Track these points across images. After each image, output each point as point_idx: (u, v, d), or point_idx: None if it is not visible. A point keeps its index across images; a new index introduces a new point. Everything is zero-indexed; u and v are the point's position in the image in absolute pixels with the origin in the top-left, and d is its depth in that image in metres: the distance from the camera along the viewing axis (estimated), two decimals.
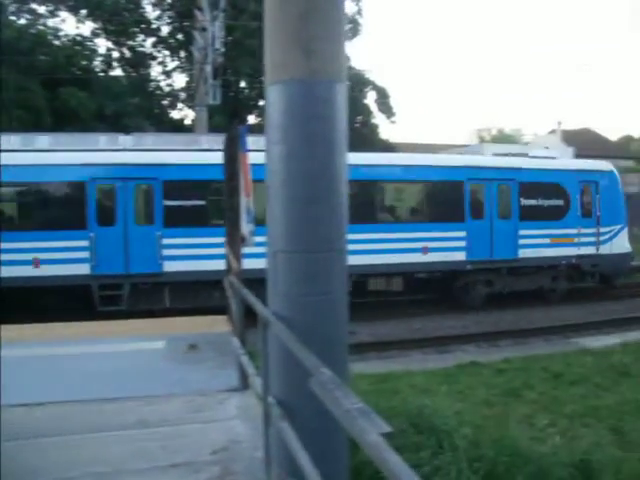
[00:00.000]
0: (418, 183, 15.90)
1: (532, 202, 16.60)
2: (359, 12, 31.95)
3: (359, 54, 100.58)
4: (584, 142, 48.33)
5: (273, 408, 3.34)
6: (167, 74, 30.86)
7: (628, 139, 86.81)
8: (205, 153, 13.67)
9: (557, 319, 14.45)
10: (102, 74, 28.19)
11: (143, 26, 29.50)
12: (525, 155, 17.77)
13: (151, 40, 30.13)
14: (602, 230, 17.57)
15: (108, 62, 28.97)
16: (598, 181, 17.70)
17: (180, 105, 31.61)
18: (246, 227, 5.15)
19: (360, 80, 30.80)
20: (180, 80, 32.01)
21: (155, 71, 30.99)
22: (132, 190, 13.78)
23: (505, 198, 16.35)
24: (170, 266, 13.67)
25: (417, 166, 15.98)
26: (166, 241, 13.68)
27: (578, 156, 22.43)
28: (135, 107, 26.69)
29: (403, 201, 16.69)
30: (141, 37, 29.95)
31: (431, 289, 16.65)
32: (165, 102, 31.37)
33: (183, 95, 30.72)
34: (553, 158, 18.13)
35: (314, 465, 2.46)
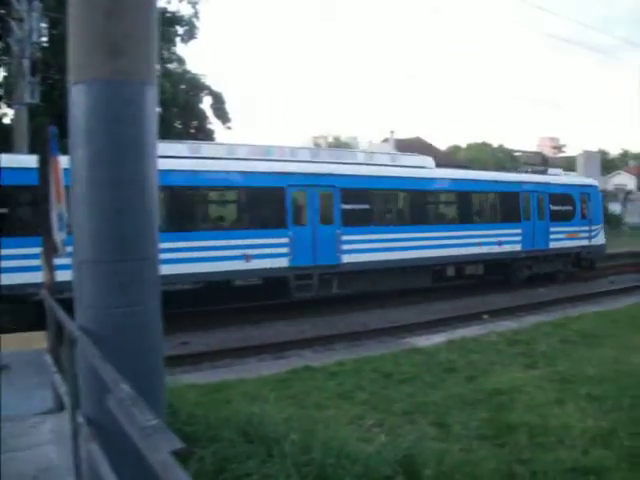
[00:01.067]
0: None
1: (557, 207, 22.55)
2: (196, 15, 31.45)
3: (195, 58, 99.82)
4: (416, 150, 50.89)
5: (82, 428, 3.13)
6: None
7: (456, 148, 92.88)
8: (373, 167, 18.01)
9: (391, 320, 15.03)
10: None
11: None
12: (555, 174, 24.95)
13: None
14: (592, 228, 23.74)
15: None
16: (590, 192, 24.04)
17: None
18: (58, 235, 4.83)
19: (196, 84, 30.41)
20: None
21: None
22: (318, 195, 16.42)
23: (543, 205, 22.14)
24: (347, 258, 16.73)
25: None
26: (344, 237, 16.68)
27: None
28: None
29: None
30: None
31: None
32: None
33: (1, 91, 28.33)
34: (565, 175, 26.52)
35: None
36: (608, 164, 77.14)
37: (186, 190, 14.63)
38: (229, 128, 35.69)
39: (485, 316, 15.32)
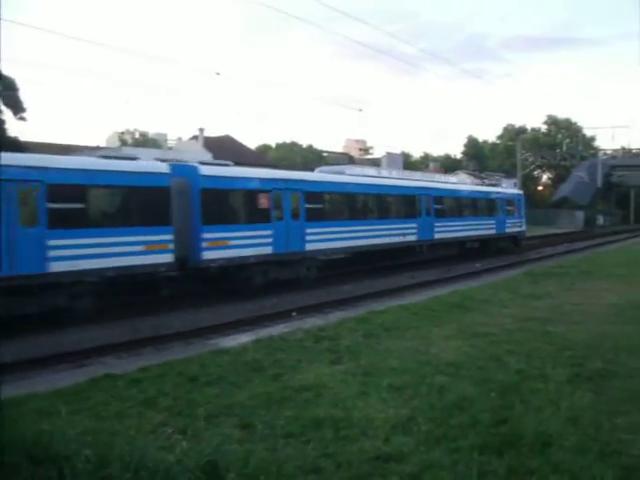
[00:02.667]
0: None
1: (511, 207, 37.54)
2: None
3: None
4: (225, 149, 50.75)
5: None
6: None
7: (266, 148, 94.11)
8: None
9: (197, 322, 14.76)
10: None
11: None
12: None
13: None
14: (522, 221, 38.94)
15: None
16: (520, 199, 39.40)
17: None
18: None
19: None
20: None
21: None
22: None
23: (505, 206, 36.83)
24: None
25: None
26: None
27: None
28: None
29: None
30: None
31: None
32: None
33: None
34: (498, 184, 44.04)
35: None
36: (411, 166, 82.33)
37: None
38: (22, 119, 32.80)
39: (294, 313, 15.55)
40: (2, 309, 13.23)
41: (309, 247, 21.28)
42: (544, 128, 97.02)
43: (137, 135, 59.25)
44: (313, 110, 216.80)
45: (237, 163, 24.36)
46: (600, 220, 78.43)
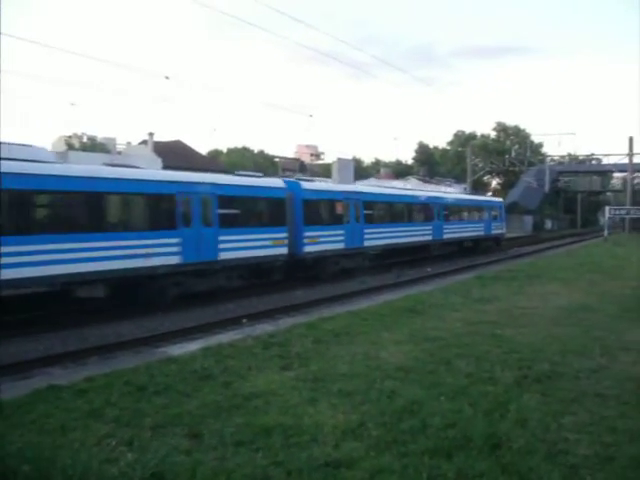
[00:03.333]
0: None
1: (495, 212, 44.18)
2: None
3: None
4: (176, 154, 50.22)
5: None
6: None
7: (217, 153, 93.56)
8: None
9: (151, 329, 14.53)
10: None
11: None
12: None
13: None
14: (502, 224, 45.17)
15: None
16: (501, 205, 46.51)
17: None
18: None
19: None
20: None
21: None
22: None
23: (491, 213, 43.93)
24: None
25: None
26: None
27: (168, 167, 23.53)
28: None
29: None
30: None
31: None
32: None
33: None
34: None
35: None
36: (362, 171, 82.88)
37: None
38: None
39: (244, 320, 15.41)
40: (190, 287, 18.88)
41: (366, 243, 27.80)
42: (493, 134, 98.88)
43: (85, 139, 58.00)
44: (264, 115, 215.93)
45: (187, 168, 24.26)
46: (548, 224, 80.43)
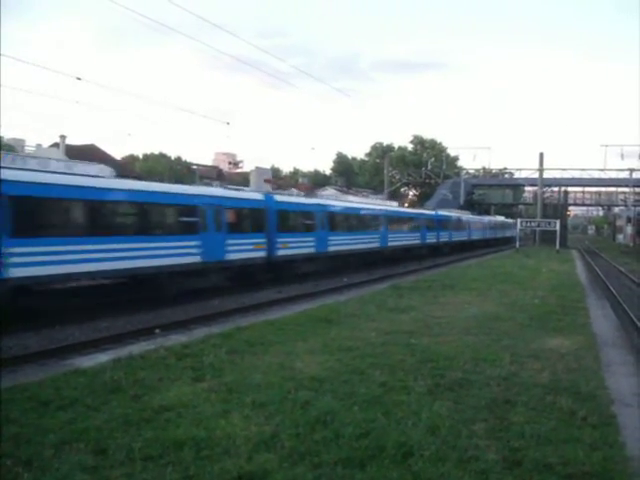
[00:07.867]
0: None
1: (430, 224, 49.10)
2: None
3: None
4: (90, 159, 48.62)
5: None
6: None
7: (133, 158, 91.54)
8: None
9: (59, 340, 13.95)
10: None
11: None
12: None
13: None
14: (436, 234, 49.98)
15: None
16: (435, 217, 51.12)
17: None
18: None
19: None
20: None
21: None
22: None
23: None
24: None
25: None
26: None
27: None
28: None
29: None
30: None
31: None
32: None
33: None
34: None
35: None
36: (280, 181, 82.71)
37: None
38: None
39: (157, 330, 15.02)
40: (201, 282, 22.76)
41: (332, 249, 31.40)
42: (411, 147, 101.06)
43: None
44: (182, 122, 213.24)
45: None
46: None
